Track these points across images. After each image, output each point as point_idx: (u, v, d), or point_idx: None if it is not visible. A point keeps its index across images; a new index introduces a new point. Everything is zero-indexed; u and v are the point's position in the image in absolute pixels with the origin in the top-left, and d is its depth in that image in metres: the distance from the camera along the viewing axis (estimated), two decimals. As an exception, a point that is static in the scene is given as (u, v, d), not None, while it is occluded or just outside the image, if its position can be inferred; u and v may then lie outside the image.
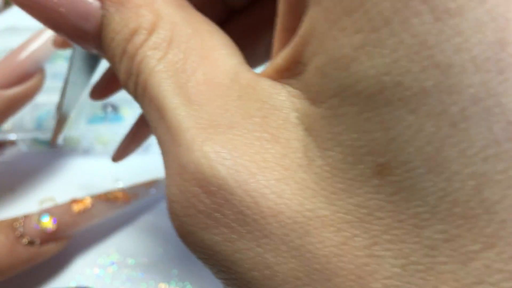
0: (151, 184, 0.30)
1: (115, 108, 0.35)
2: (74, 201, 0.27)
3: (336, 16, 0.09)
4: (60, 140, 0.27)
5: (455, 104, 0.08)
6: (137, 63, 0.13)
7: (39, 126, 0.34)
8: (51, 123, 0.34)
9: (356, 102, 0.09)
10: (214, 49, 0.13)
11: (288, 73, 0.12)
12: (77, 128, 0.32)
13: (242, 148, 0.11)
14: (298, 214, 0.10)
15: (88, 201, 0.27)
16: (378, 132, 0.09)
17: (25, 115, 0.33)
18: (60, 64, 0.37)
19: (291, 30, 0.12)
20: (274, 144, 0.11)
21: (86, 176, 0.32)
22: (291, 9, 0.12)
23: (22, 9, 0.14)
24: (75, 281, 0.27)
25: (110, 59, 0.14)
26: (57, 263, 0.28)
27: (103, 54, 0.14)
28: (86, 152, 0.33)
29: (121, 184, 0.31)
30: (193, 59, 0.12)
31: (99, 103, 0.35)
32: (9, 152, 0.33)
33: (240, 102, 0.12)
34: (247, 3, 0.20)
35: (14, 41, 0.38)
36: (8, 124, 0.34)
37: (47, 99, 0.35)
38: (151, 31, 0.13)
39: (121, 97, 0.35)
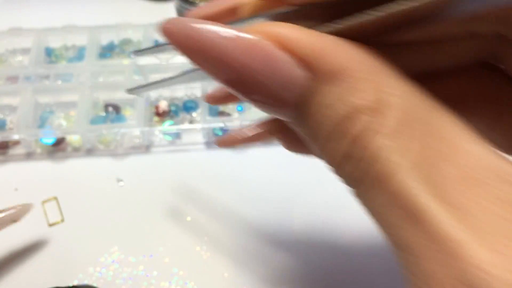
0: None
1: (116, 108, 0.35)
2: None
3: None
4: (138, 93, 0.23)
5: None
6: (370, 151, 0.11)
7: (42, 126, 0.34)
8: (53, 123, 0.34)
9: None
10: (459, 137, 0.11)
11: None
12: (79, 129, 0.32)
13: None
14: None
15: None
16: None
17: (28, 115, 0.33)
18: (62, 65, 0.37)
19: None
20: None
21: (88, 176, 0.32)
22: None
23: (204, 70, 0.12)
24: (77, 280, 0.27)
25: (308, 132, 0.13)
26: (58, 262, 0.28)
27: (296, 124, 0.13)
28: (88, 152, 0.34)
29: (122, 184, 0.32)
30: (437, 150, 0.11)
31: (100, 104, 0.35)
32: (12, 152, 0.34)
33: None
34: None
35: (17, 42, 0.38)
36: (12, 124, 0.34)
37: (49, 99, 0.36)
38: (376, 112, 0.11)
39: (122, 98, 0.35)
